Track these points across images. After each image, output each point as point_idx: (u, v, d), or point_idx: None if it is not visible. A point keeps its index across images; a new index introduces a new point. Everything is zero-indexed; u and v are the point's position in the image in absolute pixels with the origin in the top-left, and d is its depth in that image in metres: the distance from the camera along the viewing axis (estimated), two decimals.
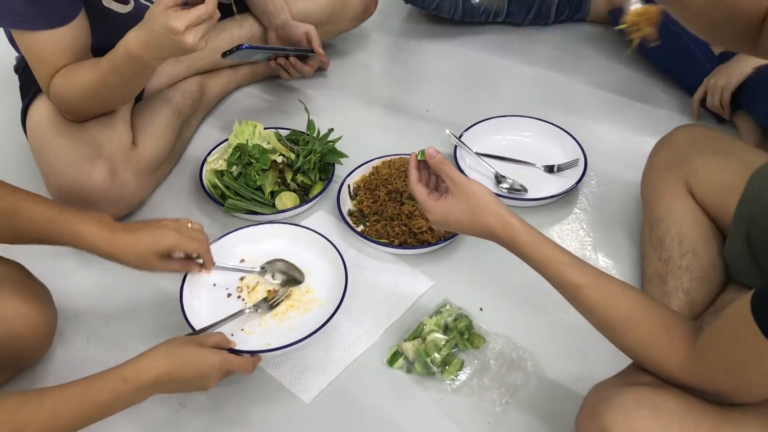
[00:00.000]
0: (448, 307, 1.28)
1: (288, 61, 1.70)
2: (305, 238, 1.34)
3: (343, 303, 1.21)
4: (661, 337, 0.93)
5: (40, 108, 1.43)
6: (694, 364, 0.89)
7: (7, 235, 1.10)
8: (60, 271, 1.37)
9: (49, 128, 1.39)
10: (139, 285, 1.36)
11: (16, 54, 1.55)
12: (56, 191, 1.39)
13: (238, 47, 1.51)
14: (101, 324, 1.30)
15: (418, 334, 1.24)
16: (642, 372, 0.98)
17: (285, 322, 1.24)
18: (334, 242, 1.33)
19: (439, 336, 1.22)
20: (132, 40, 1.20)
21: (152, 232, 1.16)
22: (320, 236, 1.33)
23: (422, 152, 1.12)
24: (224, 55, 1.52)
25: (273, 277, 1.30)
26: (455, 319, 1.25)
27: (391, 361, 1.22)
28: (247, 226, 1.36)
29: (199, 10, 1.14)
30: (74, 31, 1.30)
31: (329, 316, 1.19)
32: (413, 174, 1.14)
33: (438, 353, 1.20)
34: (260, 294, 1.28)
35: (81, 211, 1.13)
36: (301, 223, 1.44)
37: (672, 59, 1.83)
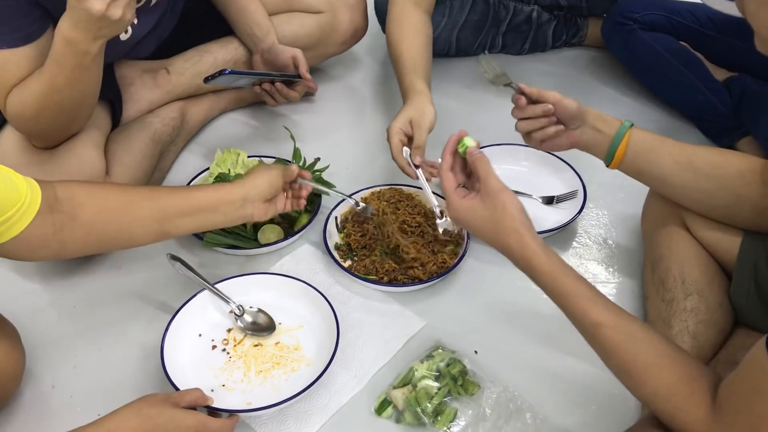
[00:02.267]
0: (440, 350, 1.20)
1: (274, 87, 1.63)
2: (298, 290, 1.27)
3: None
4: (682, 389, 0.85)
5: (9, 135, 1.35)
6: (714, 421, 0.82)
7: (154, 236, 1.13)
8: (28, 308, 1.30)
9: (16, 157, 1.32)
10: (114, 328, 1.28)
11: None
12: None
13: (221, 72, 1.45)
14: (69, 368, 1.22)
15: (408, 380, 1.16)
16: (655, 427, 0.90)
17: (269, 381, 1.16)
18: (321, 279, 1.27)
19: (431, 383, 1.14)
20: (63, 23, 1.12)
21: (263, 167, 1.24)
22: (316, 291, 1.26)
23: (463, 143, 1.04)
24: (206, 80, 1.46)
25: (241, 322, 1.23)
26: (448, 364, 1.17)
27: (380, 410, 1.14)
28: (235, 277, 1.29)
29: None
30: (38, 51, 1.22)
31: (314, 379, 1.12)
32: (447, 159, 1.05)
33: (430, 402, 1.12)
34: (246, 347, 1.22)
35: (202, 185, 1.22)
36: (286, 258, 1.39)
37: (667, 86, 1.78)
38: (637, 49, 1.77)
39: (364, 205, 1.39)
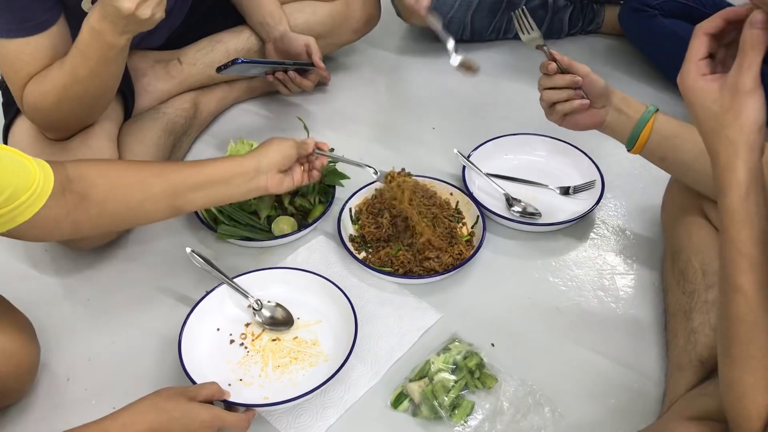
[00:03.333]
0: (457, 343, 1.19)
1: (287, 76, 1.61)
2: (317, 285, 1.26)
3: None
4: (761, 398, 0.79)
5: (22, 126, 1.35)
6: None
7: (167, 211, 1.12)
8: (42, 300, 1.29)
9: (29, 149, 1.30)
10: (128, 321, 1.27)
11: None
12: None
13: (234, 61, 1.43)
14: (83, 361, 1.21)
15: (424, 373, 1.15)
16: (684, 420, 0.88)
17: (286, 375, 1.15)
18: (335, 271, 1.26)
19: (447, 376, 1.13)
20: (92, 14, 1.12)
21: (277, 139, 1.21)
22: (335, 287, 1.24)
23: None
24: (219, 69, 1.44)
25: (259, 316, 1.22)
26: (465, 357, 1.16)
27: (396, 404, 1.13)
28: (254, 271, 1.28)
29: None
30: (52, 40, 1.21)
31: (331, 375, 1.11)
32: (716, 20, 0.84)
33: (446, 395, 1.10)
34: (264, 341, 1.21)
35: (211, 159, 1.19)
36: (301, 249, 1.38)
37: None
38: (657, 35, 1.74)
39: (381, 171, 1.37)
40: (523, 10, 1.21)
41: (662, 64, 1.82)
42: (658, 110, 1.15)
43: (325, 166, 1.31)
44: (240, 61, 1.43)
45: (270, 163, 1.17)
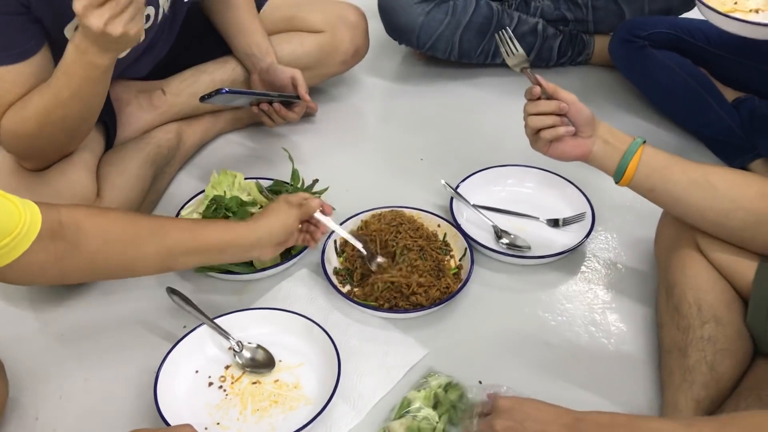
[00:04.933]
0: (436, 375, 1.14)
1: (272, 108, 1.58)
2: (301, 327, 1.21)
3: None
4: None
5: None
6: None
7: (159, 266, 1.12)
8: (14, 334, 1.25)
9: (5, 178, 1.27)
10: (103, 358, 1.23)
11: None
12: None
13: (218, 91, 1.40)
14: (54, 399, 1.16)
15: (404, 411, 1.09)
16: None
17: (266, 420, 1.11)
18: (319, 305, 1.24)
19: (431, 412, 1.08)
20: (76, 34, 1.10)
21: (281, 207, 1.19)
22: (320, 329, 1.20)
23: None
24: (202, 99, 1.41)
25: (240, 358, 1.18)
26: (445, 390, 1.11)
27: None
28: (235, 312, 1.23)
29: None
30: (34, 68, 1.19)
31: (311, 419, 1.07)
32: None
33: (434, 431, 1.05)
34: (244, 384, 1.16)
35: (213, 221, 1.23)
36: (284, 283, 1.34)
37: (680, 104, 1.74)
38: (647, 65, 1.73)
39: (381, 260, 1.33)
40: (507, 31, 1.19)
41: (652, 94, 1.81)
42: (645, 142, 1.13)
43: (325, 233, 1.29)
44: (225, 91, 1.40)
45: (270, 238, 1.16)
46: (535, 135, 1.17)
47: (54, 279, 1.01)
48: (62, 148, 1.30)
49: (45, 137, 1.23)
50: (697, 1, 1.38)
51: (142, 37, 1.23)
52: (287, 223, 1.18)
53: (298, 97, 1.58)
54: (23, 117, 1.19)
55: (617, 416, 0.89)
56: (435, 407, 1.09)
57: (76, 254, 0.98)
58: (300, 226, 1.24)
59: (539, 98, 1.15)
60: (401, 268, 1.30)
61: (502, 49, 1.18)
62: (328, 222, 1.27)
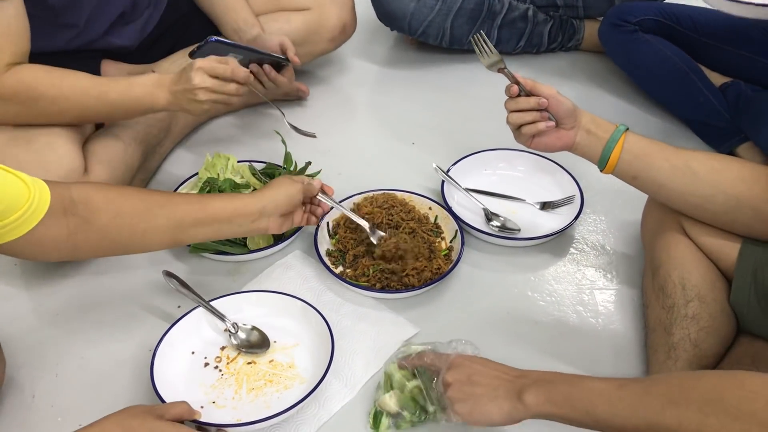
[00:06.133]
0: (412, 347, 1.15)
1: (261, 69, 1.59)
2: (296, 309, 1.23)
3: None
4: None
5: None
6: None
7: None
8: (10, 314, 1.26)
9: None
10: (98, 337, 1.24)
11: None
12: None
13: (207, 41, 1.41)
14: (50, 377, 1.18)
15: (389, 387, 1.11)
16: None
17: (261, 398, 1.12)
18: (311, 286, 1.26)
19: (414, 382, 1.09)
20: (157, 77, 1.24)
21: (285, 181, 1.21)
22: (314, 310, 1.21)
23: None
24: (192, 54, 1.42)
25: (235, 339, 1.19)
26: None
27: (375, 424, 1.09)
28: (230, 294, 1.25)
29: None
30: (14, 9, 1.22)
31: (304, 395, 1.08)
32: None
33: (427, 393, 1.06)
34: (239, 365, 1.17)
35: (219, 194, 1.27)
36: (276, 264, 1.36)
37: (669, 88, 1.76)
38: (636, 50, 1.75)
39: (381, 233, 1.34)
40: (481, 34, 1.20)
41: (641, 79, 1.83)
42: (628, 129, 1.15)
43: (326, 212, 1.30)
44: (213, 39, 1.41)
45: (275, 207, 1.17)
46: (517, 130, 1.19)
47: (67, 254, 1.02)
48: (32, 122, 1.32)
49: (54, 111, 1.28)
50: None
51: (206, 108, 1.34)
52: (291, 194, 1.19)
53: (287, 60, 1.59)
54: (53, 85, 1.26)
55: (558, 374, 0.92)
56: (414, 376, 1.09)
57: (87, 229, 1.00)
58: (303, 207, 1.25)
59: (519, 95, 1.16)
60: (405, 238, 1.33)
61: (477, 51, 1.19)
62: (330, 201, 1.28)
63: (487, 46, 1.19)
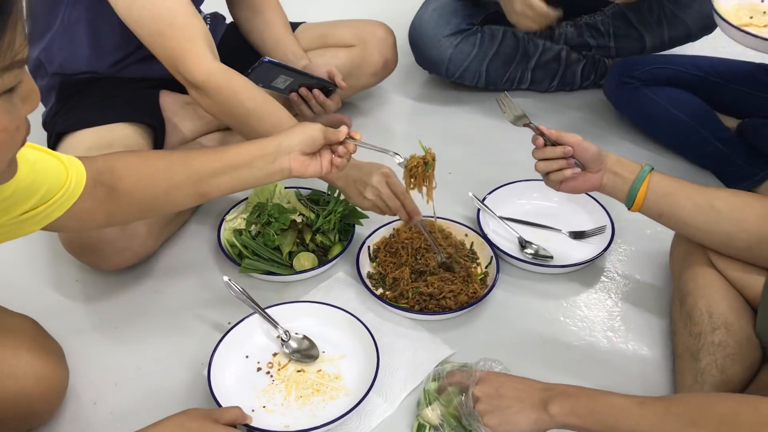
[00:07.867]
0: (446, 365, 1.21)
1: (310, 93, 1.69)
2: (344, 321, 1.30)
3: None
4: None
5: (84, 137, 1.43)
6: None
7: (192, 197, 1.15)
8: (71, 328, 1.33)
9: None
10: (154, 346, 1.32)
11: (44, 109, 1.56)
12: (65, 236, 1.38)
13: (260, 62, 1.50)
14: (110, 386, 1.26)
15: (429, 401, 1.17)
16: None
17: (308, 406, 1.19)
18: (352, 307, 1.31)
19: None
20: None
21: (306, 123, 1.20)
22: (362, 324, 1.28)
23: None
24: (248, 74, 1.51)
25: (287, 347, 1.26)
26: None
27: None
28: (282, 303, 1.32)
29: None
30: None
31: (350, 408, 1.14)
32: None
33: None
34: (289, 372, 1.25)
35: (234, 145, 1.19)
36: (321, 285, 1.43)
37: (676, 140, 1.81)
38: (642, 106, 1.80)
39: (404, 159, 1.35)
40: (505, 94, 1.26)
41: (650, 131, 1.87)
42: (653, 169, 1.20)
43: (352, 153, 1.24)
44: (266, 60, 1.50)
45: (292, 143, 1.14)
46: (546, 176, 1.27)
47: (103, 222, 1.08)
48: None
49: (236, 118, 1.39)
50: (714, 13, 1.45)
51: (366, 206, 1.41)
52: (311, 132, 1.16)
53: (335, 86, 1.69)
54: (241, 101, 1.35)
55: (583, 388, 0.98)
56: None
57: (114, 195, 1.05)
58: (331, 154, 1.21)
59: (545, 145, 1.23)
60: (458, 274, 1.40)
61: (502, 110, 1.26)
62: (359, 143, 1.23)
63: (512, 104, 1.25)
